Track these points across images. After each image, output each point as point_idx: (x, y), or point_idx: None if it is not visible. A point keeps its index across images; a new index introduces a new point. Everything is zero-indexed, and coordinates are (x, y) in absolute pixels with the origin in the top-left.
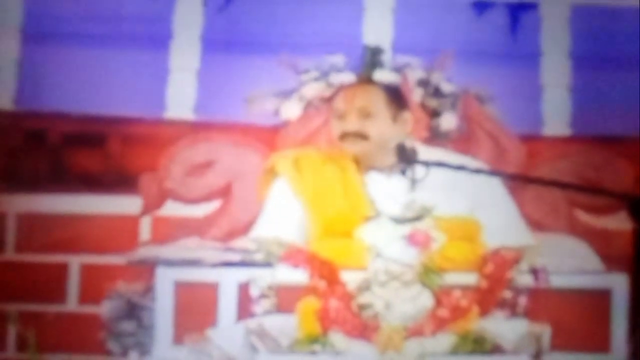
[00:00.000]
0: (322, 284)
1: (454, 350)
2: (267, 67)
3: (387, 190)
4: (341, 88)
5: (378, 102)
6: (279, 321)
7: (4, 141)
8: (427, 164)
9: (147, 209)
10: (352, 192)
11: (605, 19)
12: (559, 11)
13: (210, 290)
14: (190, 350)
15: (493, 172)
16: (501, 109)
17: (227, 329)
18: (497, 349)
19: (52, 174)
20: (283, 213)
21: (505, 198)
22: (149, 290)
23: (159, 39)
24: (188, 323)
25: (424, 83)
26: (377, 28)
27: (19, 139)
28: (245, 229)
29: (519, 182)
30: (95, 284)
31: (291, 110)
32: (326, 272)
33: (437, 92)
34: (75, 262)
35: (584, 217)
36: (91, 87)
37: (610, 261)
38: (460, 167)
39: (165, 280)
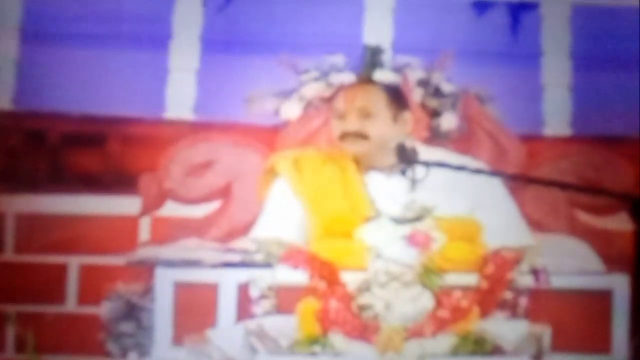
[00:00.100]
0: (322, 285)
1: (454, 351)
2: (267, 67)
3: (387, 190)
4: (341, 88)
5: (378, 102)
6: (278, 322)
7: (3, 141)
8: (427, 164)
9: (147, 210)
10: (352, 192)
11: (606, 19)
12: (560, 11)
13: (210, 291)
14: (189, 351)
15: (493, 172)
16: (501, 109)
17: (227, 329)
18: (497, 350)
19: (52, 174)
20: (283, 213)
21: (505, 198)
22: (148, 290)
23: (158, 39)
24: (187, 324)
25: (424, 83)
26: (377, 28)
27: (18, 139)
28: (245, 229)
29: (519, 182)
30: (94, 284)
31: (291, 110)
32: (326, 272)
33: (437, 92)
34: (74, 263)
35: (584, 217)
36: (91, 87)
37: (611, 262)
38: (460, 167)
39: (164, 281)
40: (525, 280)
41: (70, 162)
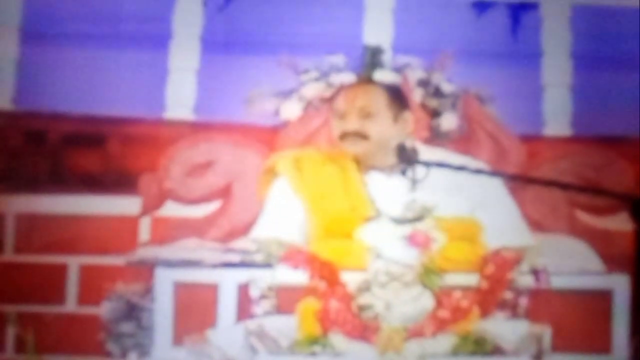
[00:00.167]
0: (322, 285)
1: (455, 351)
2: (267, 67)
3: (387, 190)
4: (341, 88)
5: (378, 102)
6: (278, 322)
7: (3, 141)
8: (427, 164)
9: (147, 210)
10: (352, 192)
11: (606, 19)
12: (560, 11)
13: (210, 291)
14: (189, 351)
15: (493, 173)
16: (501, 109)
17: (227, 330)
18: (497, 350)
19: (52, 175)
20: (283, 213)
21: (505, 198)
22: (148, 291)
23: (158, 39)
24: (187, 324)
25: (424, 83)
26: (377, 28)
27: (18, 139)
28: (245, 229)
29: (519, 182)
30: (94, 284)
31: (291, 110)
32: (326, 272)
33: (437, 92)
34: (74, 263)
35: (584, 217)
36: (91, 87)
37: (611, 262)
38: (460, 168)
39: (164, 281)
40: (526, 281)
41: (71, 162)
